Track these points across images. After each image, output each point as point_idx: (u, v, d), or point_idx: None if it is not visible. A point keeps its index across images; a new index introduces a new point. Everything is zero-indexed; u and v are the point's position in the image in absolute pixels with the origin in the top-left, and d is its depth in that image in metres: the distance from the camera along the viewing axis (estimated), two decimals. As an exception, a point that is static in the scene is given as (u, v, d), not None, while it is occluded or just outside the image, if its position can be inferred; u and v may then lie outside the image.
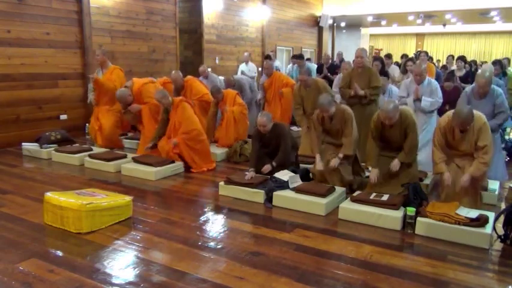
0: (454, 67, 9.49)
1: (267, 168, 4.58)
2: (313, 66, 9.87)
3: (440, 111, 6.38)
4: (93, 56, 7.41)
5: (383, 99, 5.59)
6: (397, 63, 11.98)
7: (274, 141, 4.67)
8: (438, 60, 19.51)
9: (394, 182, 4.04)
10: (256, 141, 4.72)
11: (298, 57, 9.01)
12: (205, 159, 5.37)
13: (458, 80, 7.40)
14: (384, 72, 7.12)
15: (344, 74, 5.90)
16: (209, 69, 8.21)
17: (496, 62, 7.18)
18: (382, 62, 7.45)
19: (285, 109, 6.98)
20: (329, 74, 9.36)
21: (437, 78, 8.00)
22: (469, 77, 7.78)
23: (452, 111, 3.57)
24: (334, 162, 4.20)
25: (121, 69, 6.33)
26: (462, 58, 8.22)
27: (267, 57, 9.68)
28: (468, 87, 4.82)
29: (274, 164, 4.59)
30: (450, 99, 6.28)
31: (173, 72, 6.47)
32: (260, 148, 4.72)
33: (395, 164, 3.98)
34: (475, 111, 3.55)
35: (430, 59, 11.35)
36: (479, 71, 5.45)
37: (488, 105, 4.52)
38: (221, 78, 8.00)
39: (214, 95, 6.20)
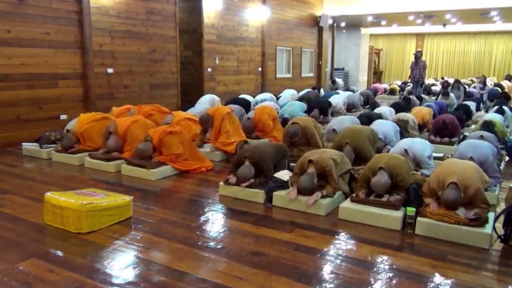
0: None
1: (248, 183, 4.23)
2: (303, 106, 9.01)
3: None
4: (93, 56, 7.43)
5: None
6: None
7: (255, 172, 4.32)
8: (442, 78, 19.54)
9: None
10: (236, 166, 4.42)
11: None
12: (197, 160, 5.37)
13: None
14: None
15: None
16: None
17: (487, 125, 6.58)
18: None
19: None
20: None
21: (435, 116, 7.86)
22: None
23: (444, 178, 3.38)
24: (312, 200, 3.81)
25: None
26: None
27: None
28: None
29: (257, 181, 4.26)
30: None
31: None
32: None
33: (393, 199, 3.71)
34: (466, 177, 3.36)
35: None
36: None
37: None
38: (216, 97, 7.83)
39: (203, 123, 6.09)
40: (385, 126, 5.85)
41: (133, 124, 5.58)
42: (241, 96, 9.66)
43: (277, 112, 8.01)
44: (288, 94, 10.97)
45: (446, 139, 6.41)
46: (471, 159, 4.12)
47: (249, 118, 6.93)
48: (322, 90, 13.41)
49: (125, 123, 5.55)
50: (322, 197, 3.87)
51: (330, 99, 9.48)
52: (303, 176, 3.96)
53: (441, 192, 3.37)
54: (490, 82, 16.70)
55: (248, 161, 4.33)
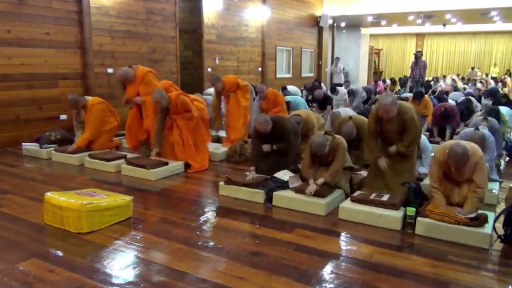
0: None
1: (265, 147, 4.62)
2: (300, 100, 8.80)
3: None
4: (93, 56, 7.43)
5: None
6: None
7: (275, 137, 4.65)
8: (444, 76, 19.57)
9: (395, 179, 4.01)
10: (256, 139, 4.70)
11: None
12: (200, 151, 5.42)
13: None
14: None
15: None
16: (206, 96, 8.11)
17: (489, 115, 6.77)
18: None
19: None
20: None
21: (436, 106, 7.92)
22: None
23: (448, 145, 3.44)
24: (311, 189, 3.90)
25: (101, 101, 6.05)
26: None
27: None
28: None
29: (274, 147, 4.63)
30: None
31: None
32: (260, 146, 4.69)
33: (392, 149, 3.96)
34: (470, 146, 3.42)
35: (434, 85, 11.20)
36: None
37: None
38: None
39: (214, 83, 6.20)
40: None
41: (149, 73, 5.85)
42: None
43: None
44: (292, 89, 10.99)
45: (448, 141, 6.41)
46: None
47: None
48: (323, 84, 13.44)
49: (145, 69, 5.91)
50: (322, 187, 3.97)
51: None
52: (315, 135, 4.13)
53: (447, 151, 3.38)
54: (487, 77, 16.66)
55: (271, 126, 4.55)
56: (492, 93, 10.22)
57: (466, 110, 7.81)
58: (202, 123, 5.53)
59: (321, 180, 3.99)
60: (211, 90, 8.91)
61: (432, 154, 4.67)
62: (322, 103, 8.81)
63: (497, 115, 6.14)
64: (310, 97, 10.43)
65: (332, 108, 8.66)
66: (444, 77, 19.26)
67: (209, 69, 10.47)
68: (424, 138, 4.81)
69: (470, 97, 9.04)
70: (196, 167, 5.28)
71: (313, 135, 4.28)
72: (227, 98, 6.28)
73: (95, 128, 5.89)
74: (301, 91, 11.65)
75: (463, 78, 17.66)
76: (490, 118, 5.29)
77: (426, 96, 8.41)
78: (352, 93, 10.11)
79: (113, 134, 6.33)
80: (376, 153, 4.08)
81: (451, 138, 6.25)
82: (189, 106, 5.30)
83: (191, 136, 5.32)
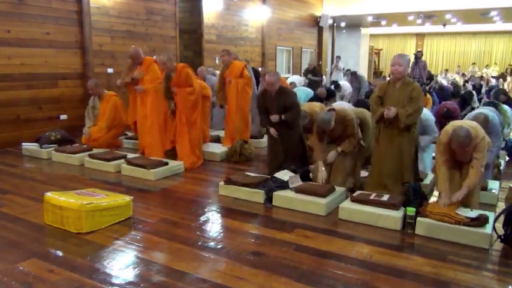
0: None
1: (275, 117, 4.66)
2: (308, 92, 8.88)
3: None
4: (93, 56, 7.42)
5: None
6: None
7: (280, 105, 4.65)
8: (446, 70, 19.58)
9: (395, 176, 4.02)
10: (261, 105, 4.80)
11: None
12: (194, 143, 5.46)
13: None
14: None
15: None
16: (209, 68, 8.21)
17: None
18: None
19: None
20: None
21: (434, 104, 7.94)
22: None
23: (451, 128, 3.48)
24: (332, 155, 4.22)
25: (117, 95, 6.25)
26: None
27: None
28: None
29: (283, 117, 4.65)
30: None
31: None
32: (266, 113, 4.77)
33: (392, 111, 3.79)
34: (472, 128, 3.45)
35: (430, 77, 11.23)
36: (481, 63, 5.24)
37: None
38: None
39: (223, 54, 6.23)
40: None
41: (154, 63, 5.88)
42: None
43: None
44: (296, 79, 10.99)
45: None
46: None
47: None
48: (324, 77, 13.47)
49: (150, 58, 5.97)
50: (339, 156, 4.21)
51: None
52: (321, 113, 4.27)
53: (450, 133, 3.41)
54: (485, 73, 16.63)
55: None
56: (492, 91, 10.26)
57: (467, 96, 7.81)
58: (200, 117, 5.52)
59: (339, 149, 4.20)
60: (216, 72, 8.94)
61: (436, 135, 4.74)
62: (325, 99, 8.84)
63: (496, 107, 6.18)
64: (309, 75, 11.08)
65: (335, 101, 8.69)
66: (446, 70, 19.30)
67: (209, 69, 10.46)
68: (428, 112, 4.91)
69: (472, 91, 9.10)
70: (188, 162, 5.31)
71: (320, 113, 4.37)
72: (228, 84, 6.25)
73: (111, 118, 6.04)
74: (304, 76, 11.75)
75: (463, 75, 17.60)
76: (489, 108, 5.24)
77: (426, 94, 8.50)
78: (356, 77, 10.14)
79: (120, 133, 6.39)
80: (377, 114, 3.94)
81: None
82: (192, 80, 5.32)
83: (187, 126, 5.31)
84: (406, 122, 3.83)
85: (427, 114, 4.83)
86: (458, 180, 3.61)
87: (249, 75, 6.37)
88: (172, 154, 5.55)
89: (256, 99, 4.97)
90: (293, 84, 9.59)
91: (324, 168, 4.25)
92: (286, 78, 10.35)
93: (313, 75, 11.55)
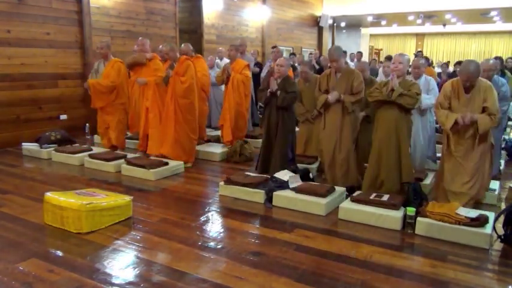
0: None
1: (273, 85, 4.61)
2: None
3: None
4: (93, 56, 7.42)
5: None
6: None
7: (281, 92, 4.62)
8: (448, 62, 19.57)
9: (392, 174, 4.02)
10: (264, 83, 4.83)
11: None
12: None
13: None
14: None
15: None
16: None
17: (496, 58, 7.00)
18: None
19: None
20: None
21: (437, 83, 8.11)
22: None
23: (457, 78, 3.60)
24: (333, 95, 4.18)
25: (122, 61, 6.09)
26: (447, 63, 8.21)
27: (274, 47, 9.17)
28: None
29: (278, 93, 4.59)
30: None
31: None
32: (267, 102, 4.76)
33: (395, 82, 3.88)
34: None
35: (427, 59, 11.26)
36: (482, 57, 5.46)
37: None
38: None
39: (232, 48, 6.25)
40: None
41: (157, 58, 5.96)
42: None
43: None
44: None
45: None
46: None
47: None
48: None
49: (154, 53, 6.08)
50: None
51: None
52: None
53: (459, 68, 3.51)
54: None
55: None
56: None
57: None
58: (196, 111, 5.52)
59: (341, 96, 4.19)
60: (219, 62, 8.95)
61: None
62: None
63: (502, 62, 6.28)
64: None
65: None
66: (448, 62, 19.32)
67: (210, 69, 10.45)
68: (432, 78, 5.04)
69: None
70: (167, 150, 5.36)
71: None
72: (228, 76, 6.24)
73: (114, 80, 5.83)
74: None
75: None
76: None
77: (430, 67, 8.69)
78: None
79: (123, 103, 6.07)
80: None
81: None
82: (189, 72, 5.34)
83: (175, 115, 5.32)
84: (404, 96, 3.88)
85: (433, 80, 5.07)
86: (462, 167, 3.64)
87: (248, 75, 6.37)
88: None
89: (262, 80, 5.08)
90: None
91: (333, 93, 4.23)
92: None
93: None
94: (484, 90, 3.53)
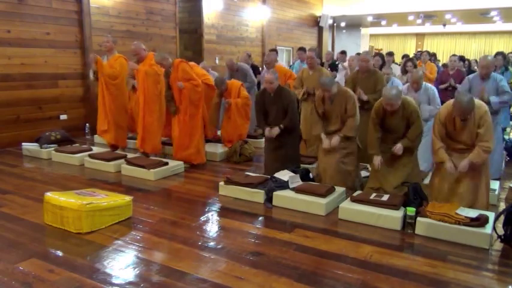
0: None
1: (275, 130, 4.58)
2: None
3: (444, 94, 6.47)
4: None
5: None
6: (397, 64, 11.99)
7: (278, 105, 4.62)
8: (438, 60, 19.56)
9: (396, 174, 4.02)
10: (260, 103, 4.73)
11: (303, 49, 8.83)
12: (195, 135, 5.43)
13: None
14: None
15: (348, 78, 5.65)
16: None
17: (498, 53, 6.95)
18: (383, 58, 7.41)
19: None
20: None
21: (439, 73, 8.16)
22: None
23: (452, 100, 3.54)
24: (335, 140, 4.21)
25: (125, 58, 6.07)
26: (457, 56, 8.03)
27: (273, 50, 9.10)
28: (471, 75, 4.92)
29: (282, 126, 4.57)
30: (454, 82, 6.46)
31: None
32: (264, 113, 4.74)
33: (398, 148, 3.94)
34: (475, 100, 3.52)
35: (434, 56, 11.27)
36: (482, 55, 5.45)
37: (491, 87, 4.61)
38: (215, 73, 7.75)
39: (218, 85, 6.03)
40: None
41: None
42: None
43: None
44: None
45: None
46: None
47: None
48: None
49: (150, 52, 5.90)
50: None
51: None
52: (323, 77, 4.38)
53: (453, 102, 3.44)
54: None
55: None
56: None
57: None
58: (202, 114, 5.50)
59: (341, 134, 4.22)
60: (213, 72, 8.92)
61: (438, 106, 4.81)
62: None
63: (504, 58, 6.25)
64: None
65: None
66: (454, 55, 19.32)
67: (209, 69, 10.45)
68: (433, 87, 5.05)
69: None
70: (183, 154, 5.35)
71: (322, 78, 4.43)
72: (229, 107, 6.15)
73: (115, 70, 5.80)
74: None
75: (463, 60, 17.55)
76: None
77: (430, 62, 8.80)
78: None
79: (124, 97, 6.11)
80: (375, 150, 4.06)
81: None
82: (190, 74, 5.29)
83: (189, 119, 5.30)
84: (414, 146, 4.06)
85: (432, 86, 5.07)
86: (460, 159, 3.61)
87: (247, 94, 6.26)
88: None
89: (255, 99, 4.94)
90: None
91: (326, 137, 4.27)
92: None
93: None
94: (479, 117, 3.47)
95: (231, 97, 6.12)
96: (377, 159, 4.02)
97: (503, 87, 4.59)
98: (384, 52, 23.48)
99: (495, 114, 4.54)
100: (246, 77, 7.14)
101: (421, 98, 4.91)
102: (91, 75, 6.19)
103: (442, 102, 4.12)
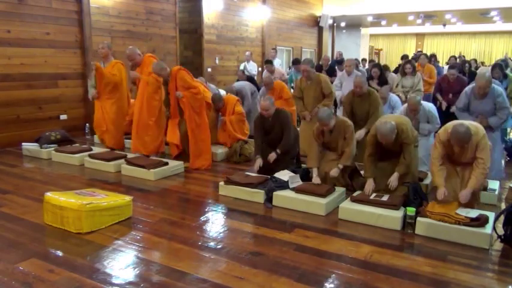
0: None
1: (272, 156, 4.70)
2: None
3: (446, 102, 6.38)
4: (93, 56, 7.42)
5: (383, 108, 5.37)
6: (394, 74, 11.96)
7: (276, 128, 4.76)
8: (438, 62, 19.54)
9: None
10: (259, 128, 4.84)
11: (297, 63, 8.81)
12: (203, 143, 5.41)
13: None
14: (384, 80, 6.96)
15: (344, 100, 5.52)
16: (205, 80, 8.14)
17: (495, 66, 6.90)
18: (381, 69, 7.15)
19: None
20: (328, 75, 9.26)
21: (439, 74, 8.14)
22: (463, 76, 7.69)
23: (451, 125, 3.49)
24: (335, 172, 4.21)
25: (122, 63, 6.13)
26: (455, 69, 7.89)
27: (268, 62, 8.95)
28: (468, 87, 4.83)
29: (278, 151, 4.70)
30: (454, 89, 6.38)
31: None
32: (263, 136, 4.83)
33: (393, 180, 3.88)
34: (472, 126, 3.47)
35: (434, 57, 11.19)
36: (479, 71, 5.39)
37: (489, 104, 4.57)
38: (221, 91, 7.55)
39: (216, 103, 6.03)
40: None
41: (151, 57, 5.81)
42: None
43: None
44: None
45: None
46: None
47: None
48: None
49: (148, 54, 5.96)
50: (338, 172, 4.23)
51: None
52: (321, 109, 4.37)
53: (450, 130, 3.42)
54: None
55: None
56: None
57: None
58: (206, 119, 5.49)
59: (340, 166, 4.22)
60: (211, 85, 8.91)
61: (438, 126, 4.85)
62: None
63: (502, 70, 6.22)
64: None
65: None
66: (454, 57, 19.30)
67: (209, 70, 10.48)
68: (432, 106, 5.08)
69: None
70: (195, 165, 5.32)
71: (319, 110, 4.43)
72: (224, 124, 6.14)
73: (116, 77, 5.87)
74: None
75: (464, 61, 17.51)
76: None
77: (429, 64, 8.70)
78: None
79: (124, 102, 6.16)
80: (369, 173, 4.00)
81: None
82: (188, 82, 5.27)
83: (196, 127, 5.29)
84: (409, 171, 4.03)
85: (431, 106, 5.10)
86: (457, 180, 3.63)
87: (241, 111, 6.19)
88: (183, 158, 5.48)
89: (253, 125, 4.99)
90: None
91: (316, 175, 4.22)
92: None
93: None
94: (477, 143, 3.45)
95: (226, 113, 6.09)
96: (370, 185, 3.92)
97: (502, 104, 4.54)
98: (384, 52, 23.43)
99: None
100: (244, 101, 7.01)
101: (420, 118, 4.91)
102: (92, 92, 6.17)
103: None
